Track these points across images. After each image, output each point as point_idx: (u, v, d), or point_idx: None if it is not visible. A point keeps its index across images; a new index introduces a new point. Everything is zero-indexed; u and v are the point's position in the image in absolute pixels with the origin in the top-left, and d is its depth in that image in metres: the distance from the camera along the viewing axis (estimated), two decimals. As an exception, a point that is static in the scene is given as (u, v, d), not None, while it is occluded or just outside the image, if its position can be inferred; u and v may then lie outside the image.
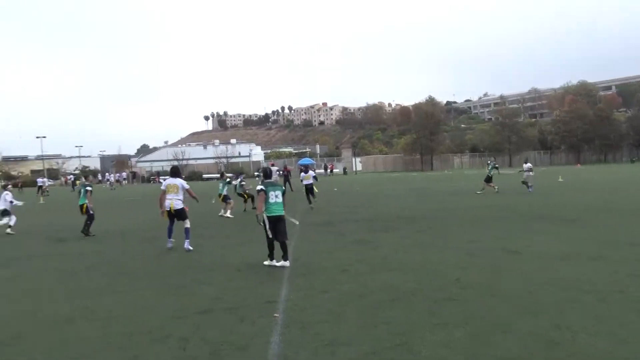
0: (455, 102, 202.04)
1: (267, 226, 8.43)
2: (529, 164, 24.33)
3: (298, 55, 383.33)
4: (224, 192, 17.75)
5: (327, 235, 11.86)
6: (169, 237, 10.76)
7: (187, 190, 10.78)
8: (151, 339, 5.06)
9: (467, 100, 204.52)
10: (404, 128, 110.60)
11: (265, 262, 8.50)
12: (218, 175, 20.35)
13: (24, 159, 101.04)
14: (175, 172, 11.14)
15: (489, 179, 23.80)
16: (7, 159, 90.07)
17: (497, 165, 25.78)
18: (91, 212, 13.68)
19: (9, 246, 12.35)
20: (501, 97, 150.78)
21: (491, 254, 8.86)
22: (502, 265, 7.96)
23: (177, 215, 10.53)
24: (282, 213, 8.62)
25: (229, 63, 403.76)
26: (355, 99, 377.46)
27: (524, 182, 23.61)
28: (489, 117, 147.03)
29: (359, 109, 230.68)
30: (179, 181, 10.76)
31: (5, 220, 14.93)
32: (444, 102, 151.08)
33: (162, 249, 10.70)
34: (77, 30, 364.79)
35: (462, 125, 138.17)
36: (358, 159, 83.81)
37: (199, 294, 6.83)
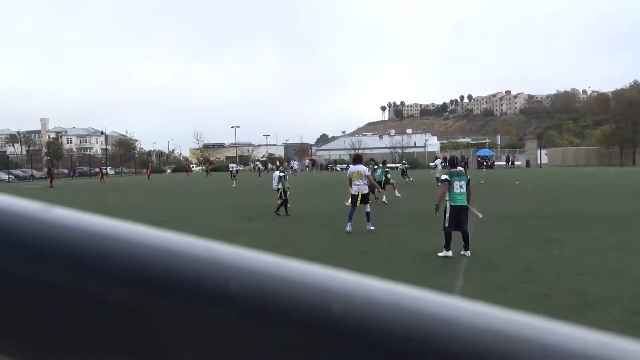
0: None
1: (448, 215, 8.25)
2: None
3: (478, 41, 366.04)
4: (382, 178, 18.89)
5: (506, 231, 11.18)
6: (350, 221, 11.25)
7: (367, 176, 11.40)
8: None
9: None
10: (601, 118, 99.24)
11: (440, 254, 8.26)
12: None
13: (220, 146, 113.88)
14: (357, 159, 11.90)
15: None
16: (207, 146, 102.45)
17: None
18: (285, 196, 14.65)
19: (204, 222, 13.99)
20: None
21: None
22: None
23: (363, 199, 11.19)
24: (466, 203, 8.39)
25: (406, 52, 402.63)
26: (543, 86, 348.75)
27: None
28: None
29: (547, 96, 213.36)
30: (361, 167, 11.49)
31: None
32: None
33: (339, 233, 11.16)
34: (266, 29, 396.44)
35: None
36: (544, 151, 77.44)
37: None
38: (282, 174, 15.23)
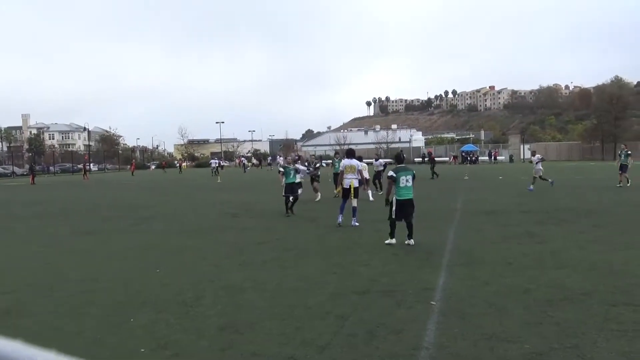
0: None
1: (395, 208, 8.88)
2: (537, 156, 21.03)
3: (462, 37, 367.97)
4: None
5: (489, 225, 11.30)
6: (341, 213, 11.49)
7: (359, 171, 11.64)
8: (312, 314, 5.33)
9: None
10: (583, 113, 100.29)
11: (386, 241, 9.08)
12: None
13: (205, 142, 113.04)
14: (351, 153, 12.11)
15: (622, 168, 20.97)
16: (192, 142, 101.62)
17: (629, 153, 21.57)
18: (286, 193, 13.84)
19: (189, 219, 13.91)
20: None
21: (689, 257, 7.66)
22: (702, 271, 6.83)
23: (355, 192, 11.42)
24: (411, 197, 9.00)
25: (392, 48, 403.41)
26: (527, 81, 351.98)
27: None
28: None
29: (531, 92, 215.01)
30: (355, 162, 11.63)
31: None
32: (634, 82, 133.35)
33: (325, 229, 11.20)
34: (252, 25, 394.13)
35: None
36: (527, 146, 78.07)
37: (357, 274, 7.01)
38: (281, 169, 15.03)
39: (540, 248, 8.62)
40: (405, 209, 8.84)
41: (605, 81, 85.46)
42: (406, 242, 8.89)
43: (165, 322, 5.17)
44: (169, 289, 6.43)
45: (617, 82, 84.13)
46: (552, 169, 43.01)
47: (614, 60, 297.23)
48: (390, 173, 9.08)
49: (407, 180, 8.96)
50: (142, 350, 4.46)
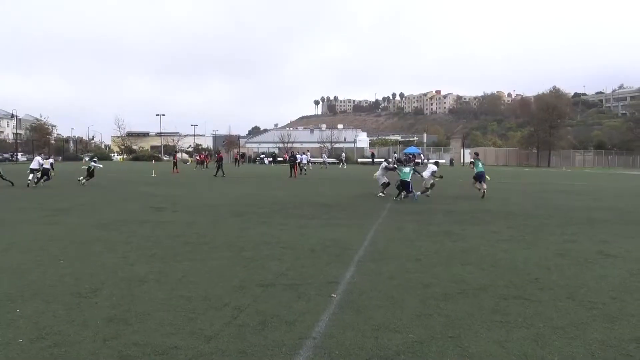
0: (584, 94, 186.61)
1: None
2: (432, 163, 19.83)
3: (410, 40, 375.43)
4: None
5: (412, 224, 11.56)
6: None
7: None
8: (209, 305, 5.27)
9: (598, 93, 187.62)
10: (523, 120, 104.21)
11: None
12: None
13: (145, 134, 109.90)
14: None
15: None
16: (131, 134, 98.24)
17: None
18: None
19: (109, 212, 13.47)
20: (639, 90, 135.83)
21: (584, 255, 8.10)
22: (591, 268, 7.26)
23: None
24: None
25: (341, 46, 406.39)
26: (472, 87, 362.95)
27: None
28: (624, 111, 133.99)
29: (475, 98, 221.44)
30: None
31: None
32: (572, 94, 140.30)
33: (248, 224, 11.14)
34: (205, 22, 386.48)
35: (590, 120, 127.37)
36: (467, 151, 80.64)
37: (267, 268, 6.99)
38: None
39: (452, 246, 8.90)
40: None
41: (545, 90, 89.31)
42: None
43: (53, 313, 4.98)
44: (66, 280, 6.20)
45: (555, 92, 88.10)
46: (488, 173, 44.43)
47: (557, 71, 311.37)
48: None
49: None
50: (20, 340, 4.28)
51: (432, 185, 18.67)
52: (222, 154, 39.84)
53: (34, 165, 22.77)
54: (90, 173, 24.02)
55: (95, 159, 27.91)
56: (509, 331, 4.63)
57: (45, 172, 22.12)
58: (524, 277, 6.63)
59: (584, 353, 4.15)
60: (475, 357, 4.05)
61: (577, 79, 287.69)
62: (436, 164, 19.75)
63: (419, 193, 17.56)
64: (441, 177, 19.23)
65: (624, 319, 5.01)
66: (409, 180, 16.88)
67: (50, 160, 23.81)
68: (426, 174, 18.54)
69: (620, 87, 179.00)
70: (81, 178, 23.93)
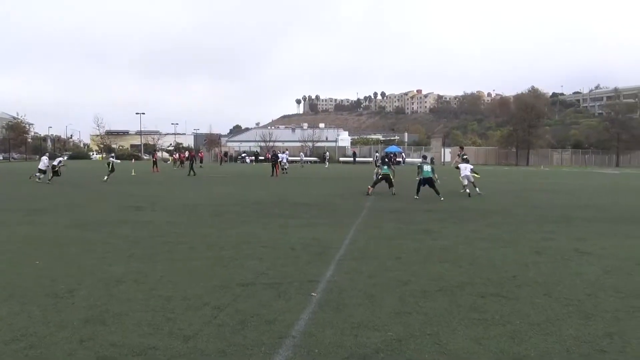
0: (562, 94, 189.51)
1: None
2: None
3: (392, 40, 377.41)
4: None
5: (391, 223, 11.63)
6: None
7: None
8: (188, 305, 5.24)
9: (576, 93, 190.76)
10: (502, 120, 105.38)
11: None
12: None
13: (125, 133, 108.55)
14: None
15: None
16: (110, 133, 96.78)
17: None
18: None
19: (89, 211, 13.30)
20: (615, 90, 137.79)
21: (561, 253, 8.24)
22: (568, 265, 7.38)
23: None
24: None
25: (323, 45, 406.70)
26: (452, 86, 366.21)
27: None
28: (600, 111, 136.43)
29: (456, 97, 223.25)
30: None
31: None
32: (550, 93, 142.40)
33: (228, 224, 11.08)
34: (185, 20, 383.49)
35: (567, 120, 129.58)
36: (447, 150, 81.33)
37: (247, 267, 6.97)
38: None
39: (432, 244, 8.97)
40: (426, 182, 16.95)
41: (524, 90, 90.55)
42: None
43: (28, 314, 4.90)
44: (42, 281, 6.10)
45: (534, 92, 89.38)
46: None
47: (535, 71, 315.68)
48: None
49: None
50: (-6, 342, 4.20)
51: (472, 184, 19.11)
52: (203, 152, 39.50)
53: (41, 165, 24.91)
54: (111, 169, 26.10)
55: (113, 156, 32.81)
56: (486, 328, 4.69)
57: (54, 171, 24.31)
58: (501, 275, 6.72)
59: (559, 349, 4.23)
60: (453, 354, 4.10)
61: (555, 79, 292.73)
62: (424, 157, 20.19)
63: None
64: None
65: (598, 315, 5.11)
66: (432, 176, 17.35)
67: (60, 158, 26.87)
68: (463, 172, 19.28)
69: (597, 87, 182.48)
70: (105, 178, 25.53)
